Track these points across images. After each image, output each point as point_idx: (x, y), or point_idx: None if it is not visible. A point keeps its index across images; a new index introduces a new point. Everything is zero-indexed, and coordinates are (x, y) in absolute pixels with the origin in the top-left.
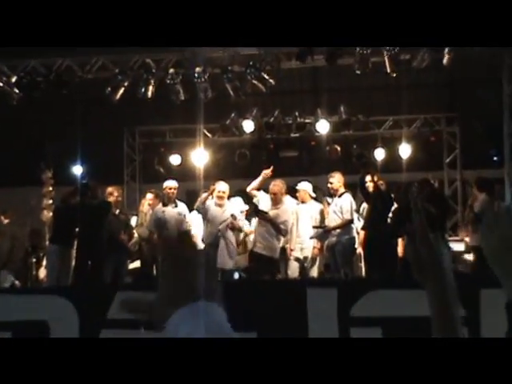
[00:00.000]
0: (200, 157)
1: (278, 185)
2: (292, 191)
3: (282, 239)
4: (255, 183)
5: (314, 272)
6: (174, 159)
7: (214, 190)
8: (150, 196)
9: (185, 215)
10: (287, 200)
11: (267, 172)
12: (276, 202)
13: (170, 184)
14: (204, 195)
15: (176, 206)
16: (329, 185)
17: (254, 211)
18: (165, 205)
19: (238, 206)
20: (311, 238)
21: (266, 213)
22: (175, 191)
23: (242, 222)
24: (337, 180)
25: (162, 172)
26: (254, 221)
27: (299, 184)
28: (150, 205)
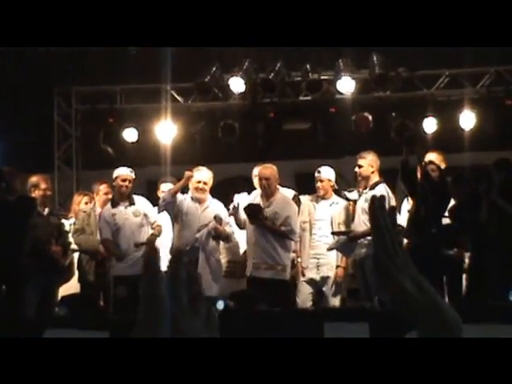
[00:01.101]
0: (167, 131)
1: (270, 167)
2: (300, 181)
3: (293, 246)
4: (172, 190)
5: (336, 299)
6: (129, 134)
7: (189, 177)
8: (103, 188)
9: (146, 216)
10: (282, 190)
11: (190, 174)
12: (268, 193)
13: (123, 172)
14: (174, 186)
15: (131, 204)
16: (357, 170)
17: (234, 213)
18: (115, 204)
19: (220, 204)
20: (331, 249)
21: (260, 209)
22: (130, 183)
23: (231, 227)
24: (368, 163)
25: (111, 153)
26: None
27: (321, 170)
28: (105, 201)
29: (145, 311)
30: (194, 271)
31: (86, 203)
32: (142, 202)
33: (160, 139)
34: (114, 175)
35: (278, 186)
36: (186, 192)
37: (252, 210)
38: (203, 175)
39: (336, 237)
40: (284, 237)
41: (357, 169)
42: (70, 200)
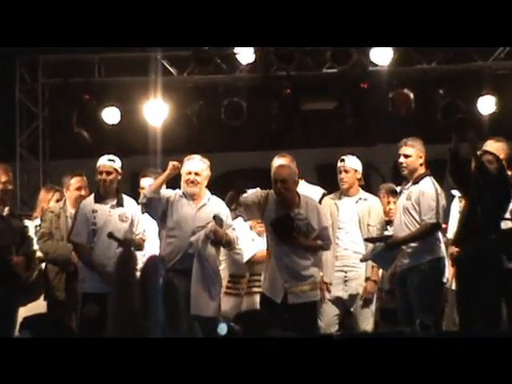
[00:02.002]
0: (156, 111)
1: (286, 165)
2: (323, 174)
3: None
4: (155, 184)
5: (368, 323)
6: (109, 115)
7: (177, 168)
8: (74, 182)
9: (133, 220)
10: (303, 187)
11: (175, 164)
12: (287, 199)
13: (107, 163)
14: (156, 180)
15: (119, 205)
16: (402, 161)
17: (214, 231)
18: (99, 198)
19: (221, 201)
20: (365, 260)
21: (292, 222)
22: (117, 176)
23: (233, 229)
24: (417, 153)
25: (87, 139)
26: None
27: (345, 158)
28: (77, 198)
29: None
30: (171, 282)
31: (57, 201)
32: (131, 206)
33: (148, 121)
34: (98, 164)
35: (301, 182)
36: (178, 188)
37: (283, 224)
38: (194, 165)
39: (370, 244)
40: (319, 250)
41: (402, 159)
42: (36, 197)
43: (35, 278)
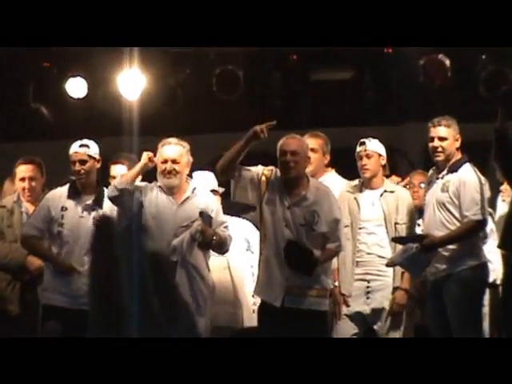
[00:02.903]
0: (132, 83)
1: (297, 138)
2: (338, 159)
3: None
4: (128, 175)
5: None
6: (74, 87)
7: (149, 160)
8: (20, 171)
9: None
10: (332, 179)
11: (150, 156)
12: (295, 176)
13: (79, 150)
14: (129, 171)
15: (97, 204)
16: (436, 144)
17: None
18: (74, 193)
19: (210, 193)
20: (392, 264)
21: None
22: (94, 164)
23: (226, 227)
24: (454, 134)
25: (46, 115)
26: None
27: (366, 141)
28: (25, 190)
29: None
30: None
31: (14, 191)
32: (114, 207)
33: (122, 95)
34: (71, 151)
35: (331, 172)
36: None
37: (297, 255)
38: (171, 151)
39: (399, 246)
40: (332, 258)
41: (437, 142)
42: None
43: None
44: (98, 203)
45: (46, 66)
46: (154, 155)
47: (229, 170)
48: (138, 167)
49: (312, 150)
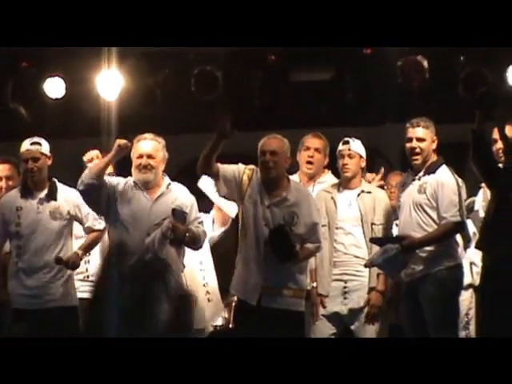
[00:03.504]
0: (110, 82)
1: (278, 138)
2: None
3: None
4: (95, 167)
5: None
6: (52, 87)
7: (125, 148)
8: (1, 170)
9: (72, 219)
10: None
11: (123, 143)
12: (274, 176)
13: (31, 148)
14: (99, 160)
15: (50, 198)
16: (414, 145)
17: (173, 225)
18: (26, 191)
19: (184, 188)
20: (371, 265)
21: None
22: (45, 161)
23: (200, 222)
24: (431, 135)
25: (24, 116)
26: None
27: (349, 140)
28: (2, 190)
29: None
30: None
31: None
32: (68, 195)
33: (100, 95)
34: (23, 148)
35: (328, 174)
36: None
37: (281, 240)
38: (146, 146)
39: (376, 246)
40: (310, 257)
41: (415, 143)
42: None
43: None
44: (52, 196)
45: (25, 65)
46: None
47: (206, 168)
48: (108, 157)
49: (316, 150)
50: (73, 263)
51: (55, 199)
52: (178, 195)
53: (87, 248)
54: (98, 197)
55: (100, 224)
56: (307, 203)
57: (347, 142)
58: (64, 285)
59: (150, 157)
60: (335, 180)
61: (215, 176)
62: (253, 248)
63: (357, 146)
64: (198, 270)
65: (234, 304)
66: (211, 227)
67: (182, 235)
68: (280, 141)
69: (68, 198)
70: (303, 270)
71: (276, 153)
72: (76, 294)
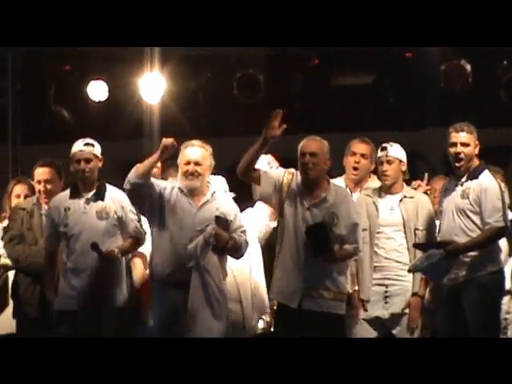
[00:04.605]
0: (153, 86)
1: (319, 140)
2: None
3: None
4: (142, 167)
5: None
6: (95, 90)
7: (172, 146)
8: (38, 173)
9: (119, 221)
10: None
11: (169, 142)
12: (313, 177)
13: (84, 149)
14: (145, 161)
15: (98, 198)
16: (459, 150)
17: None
18: (75, 193)
19: (229, 197)
20: (414, 270)
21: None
22: (97, 163)
23: (243, 232)
24: (473, 140)
25: (67, 119)
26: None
27: (387, 146)
28: (41, 193)
29: None
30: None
31: (27, 196)
32: (115, 196)
33: (142, 98)
34: (73, 152)
35: (373, 178)
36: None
37: (318, 233)
38: (194, 153)
39: (418, 251)
40: (348, 259)
41: (460, 148)
42: (2, 190)
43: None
44: (99, 196)
45: (67, 69)
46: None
47: (248, 172)
48: (154, 156)
49: (362, 155)
50: (107, 255)
51: (103, 199)
52: (223, 203)
53: (124, 251)
54: (144, 197)
55: (139, 233)
56: (346, 204)
57: (385, 149)
58: (109, 286)
59: (197, 164)
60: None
61: (256, 180)
62: (292, 250)
63: (395, 150)
64: (247, 272)
65: (274, 307)
66: (268, 219)
67: (225, 242)
68: (319, 142)
69: (115, 198)
70: (343, 272)
71: (315, 154)
72: (122, 295)
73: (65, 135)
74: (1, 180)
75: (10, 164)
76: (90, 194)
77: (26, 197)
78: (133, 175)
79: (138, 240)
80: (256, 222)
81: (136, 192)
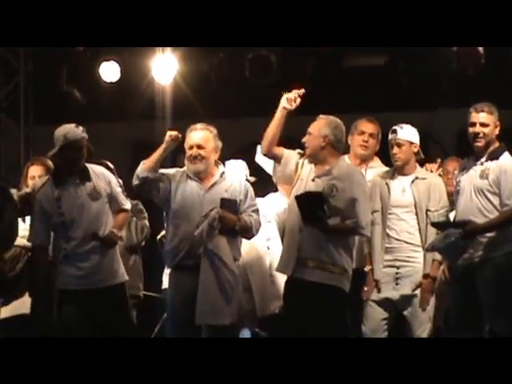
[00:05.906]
0: (165, 67)
1: (324, 117)
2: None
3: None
4: (149, 161)
5: (425, 328)
6: (107, 71)
7: (176, 139)
8: (34, 170)
9: (110, 196)
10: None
11: (174, 134)
12: (322, 158)
13: (84, 135)
14: (151, 156)
15: (85, 179)
16: (478, 130)
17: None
18: (59, 179)
19: (240, 176)
20: (431, 249)
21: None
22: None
23: (255, 211)
24: (494, 121)
25: (79, 99)
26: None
27: (397, 129)
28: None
29: None
30: (189, 293)
31: (41, 177)
32: (99, 173)
33: (154, 79)
34: (69, 141)
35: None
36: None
37: (310, 201)
38: (197, 136)
39: (430, 232)
40: (348, 234)
41: (478, 128)
42: (16, 170)
43: (19, 271)
44: (86, 177)
45: (80, 49)
46: (183, 138)
47: (270, 147)
48: (160, 150)
49: (371, 135)
50: (109, 240)
51: (89, 180)
52: (232, 183)
53: (120, 226)
54: (154, 189)
55: (128, 204)
56: (350, 180)
57: (394, 131)
58: (111, 263)
59: (199, 147)
60: (383, 166)
61: (278, 158)
62: (292, 220)
63: (405, 132)
64: (264, 253)
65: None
66: (283, 201)
67: (231, 225)
68: (325, 119)
69: (100, 175)
70: (344, 247)
71: (309, 133)
72: (123, 269)
73: (77, 116)
74: (13, 159)
75: (22, 144)
76: (76, 178)
77: (40, 177)
78: (141, 170)
79: (128, 211)
80: (274, 205)
81: (146, 186)
